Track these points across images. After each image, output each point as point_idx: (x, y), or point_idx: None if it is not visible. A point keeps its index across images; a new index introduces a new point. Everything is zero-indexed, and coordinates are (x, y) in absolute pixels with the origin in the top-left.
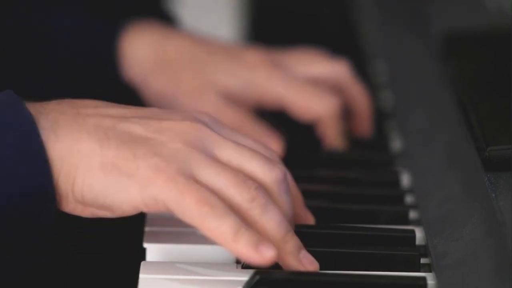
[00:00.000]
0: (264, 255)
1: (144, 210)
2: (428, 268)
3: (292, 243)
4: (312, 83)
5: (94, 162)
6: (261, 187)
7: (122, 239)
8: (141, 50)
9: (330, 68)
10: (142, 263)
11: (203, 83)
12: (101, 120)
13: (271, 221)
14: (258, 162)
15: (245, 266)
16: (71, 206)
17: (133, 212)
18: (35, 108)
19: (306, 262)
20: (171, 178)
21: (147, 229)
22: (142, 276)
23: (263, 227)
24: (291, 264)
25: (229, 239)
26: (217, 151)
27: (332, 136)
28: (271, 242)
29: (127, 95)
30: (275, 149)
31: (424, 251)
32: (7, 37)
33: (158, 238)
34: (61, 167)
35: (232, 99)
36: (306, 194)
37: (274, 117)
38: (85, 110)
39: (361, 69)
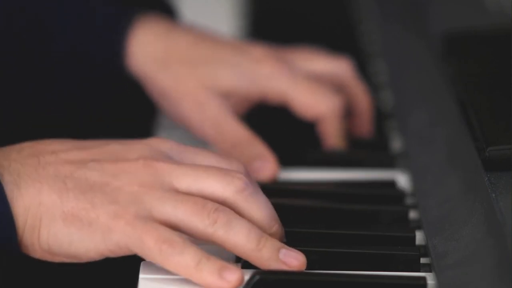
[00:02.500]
0: (229, 280)
1: (110, 255)
2: (428, 268)
3: (267, 248)
4: (316, 81)
5: (56, 214)
6: (221, 206)
7: None
8: (146, 48)
9: (332, 65)
10: (142, 263)
11: (205, 86)
12: (60, 168)
13: (239, 235)
14: (215, 180)
15: (245, 266)
16: (39, 255)
17: (100, 258)
18: None
19: (288, 260)
20: (130, 223)
21: None
22: (142, 276)
23: (232, 244)
24: (273, 267)
25: (192, 271)
26: (175, 182)
27: (333, 135)
28: (234, 266)
29: (132, 89)
30: (270, 169)
31: (424, 251)
32: (15, 29)
33: None
34: (26, 220)
35: (236, 96)
36: (306, 194)
37: (276, 116)
38: (45, 157)
39: (361, 69)
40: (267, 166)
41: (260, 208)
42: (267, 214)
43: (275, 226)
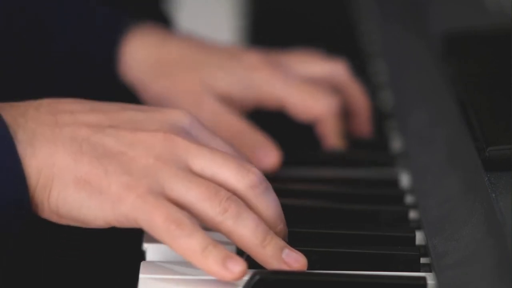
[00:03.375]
0: (233, 271)
1: (117, 225)
2: (428, 268)
3: (271, 246)
4: (311, 83)
5: (68, 177)
6: (233, 196)
7: (122, 239)
8: (140, 55)
9: (328, 68)
10: (142, 263)
11: (201, 87)
12: (77, 130)
13: (246, 229)
14: (230, 169)
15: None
16: (46, 215)
17: (106, 227)
18: (13, 118)
19: (290, 261)
20: (141, 197)
21: None
22: (142, 276)
23: (239, 236)
24: (274, 266)
25: (198, 256)
26: (191, 161)
27: (332, 136)
28: (240, 257)
29: (126, 94)
30: (272, 159)
31: (424, 251)
32: (15, 29)
33: None
34: (38, 180)
35: (232, 101)
36: (306, 194)
37: (274, 117)
38: (63, 117)
39: (361, 69)
40: (270, 154)
41: (268, 207)
42: (275, 213)
43: (280, 225)
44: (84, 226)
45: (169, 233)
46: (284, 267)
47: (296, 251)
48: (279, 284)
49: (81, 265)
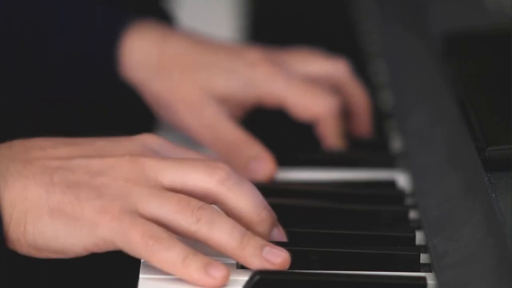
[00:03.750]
0: (215, 277)
1: (96, 251)
2: (428, 268)
3: (250, 246)
4: (312, 82)
5: (42, 209)
6: (205, 204)
7: None
8: (140, 55)
9: (329, 67)
10: (142, 263)
11: (200, 93)
12: (48, 162)
13: (222, 233)
14: (199, 171)
15: (243, 266)
16: (25, 250)
17: (86, 254)
18: None
19: (271, 258)
20: (116, 218)
21: None
22: (142, 276)
23: (216, 241)
24: (256, 265)
25: (179, 267)
26: (160, 177)
27: (332, 136)
28: (220, 263)
29: (132, 90)
30: (267, 168)
31: (424, 251)
32: (15, 29)
33: None
34: (11, 214)
35: (232, 101)
36: (306, 194)
37: (274, 118)
38: (34, 152)
39: (361, 69)
40: (264, 166)
41: (245, 197)
42: (253, 201)
43: (263, 212)
44: (64, 256)
45: (148, 249)
46: (267, 265)
47: (278, 247)
48: (279, 284)
49: (81, 265)
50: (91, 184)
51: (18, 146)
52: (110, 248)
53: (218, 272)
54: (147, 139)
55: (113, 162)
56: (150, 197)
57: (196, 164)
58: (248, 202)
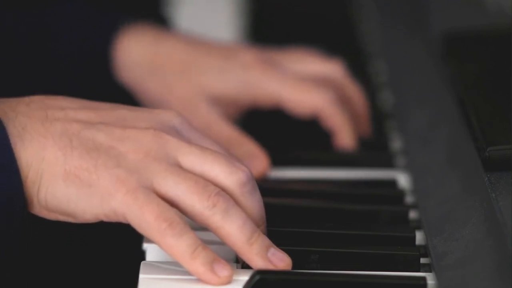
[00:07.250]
0: (219, 275)
1: (105, 220)
2: (428, 268)
3: (257, 244)
4: (305, 79)
5: (57, 171)
6: (222, 192)
7: (122, 239)
8: (134, 56)
9: (324, 67)
10: (142, 263)
11: (195, 94)
12: (68, 125)
13: (234, 225)
14: (220, 166)
15: (245, 266)
16: (36, 210)
17: (95, 221)
18: (3, 112)
19: (275, 260)
20: (131, 192)
21: None
22: (142, 276)
23: (226, 231)
24: (259, 264)
25: (186, 257)
26: (180, 158)
27: (339, 126)
28: (227, 263)
29: (122, 95)
30: (259, 166)
31: (424, 251)
32: (8, 33)
33: None
34: (27, 173)
35: (227, 102)
36: (306, 194)
37: (274, 118)
38: (54, 112)
39: (361, 69)
40: (256, 164)
41: (254, 207)
42: (258, 213)
43: (262, 227)
44: (72, 220)
45: (160, 231)
46: (269, 266)
47: (282, 251)
48: (279, 284)
49: (81, 265)
50: (110, 153)
51: (37, 102)
52: (119, 220)
53: (223, 271)
54: (169, 116)
55: (136, 133)
56: (167, 174)
57: (220, 159)
58: (254, 212)
